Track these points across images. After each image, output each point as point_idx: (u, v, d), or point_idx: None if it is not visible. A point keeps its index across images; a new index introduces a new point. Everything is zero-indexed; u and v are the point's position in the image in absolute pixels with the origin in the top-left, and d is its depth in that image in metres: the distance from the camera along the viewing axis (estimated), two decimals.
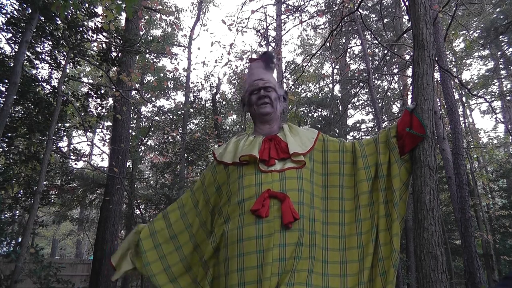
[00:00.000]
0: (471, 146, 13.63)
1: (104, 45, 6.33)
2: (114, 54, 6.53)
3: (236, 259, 1.36)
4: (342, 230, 1.48)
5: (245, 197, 1.42)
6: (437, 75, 7.65)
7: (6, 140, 5.96)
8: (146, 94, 12.90)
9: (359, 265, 1.42)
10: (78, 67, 8.02)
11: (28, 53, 5.72)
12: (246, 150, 1.51)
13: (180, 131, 11.28)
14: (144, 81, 13.29)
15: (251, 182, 1.44)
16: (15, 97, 4.72)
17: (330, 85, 15.22)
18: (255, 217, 1.36)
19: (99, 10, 8.25)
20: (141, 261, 1.61)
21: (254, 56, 12.39)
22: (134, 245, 1.66)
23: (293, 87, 12.23)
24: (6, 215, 6.50)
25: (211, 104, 12.90)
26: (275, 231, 1.34)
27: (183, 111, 12.66)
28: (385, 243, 1.43)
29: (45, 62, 6.24)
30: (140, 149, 13.01)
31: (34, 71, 6.39)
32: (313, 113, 13.68)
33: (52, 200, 7.61)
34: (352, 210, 1.50)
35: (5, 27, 5.41)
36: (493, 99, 15.40)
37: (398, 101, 13.45)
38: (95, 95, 6.47)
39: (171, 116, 12.69)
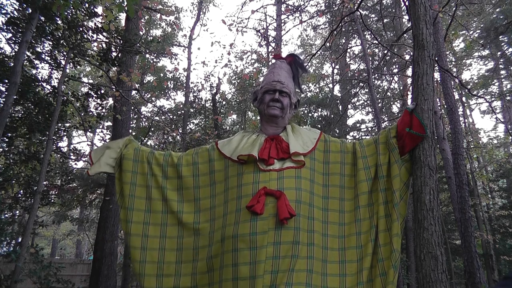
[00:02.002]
0: (471, 146, 13.63)
1: (104, 45, 6.32)
2: (114, 54, 6.53)
3: (231, 254, 1.38)
4: (342, 230, 1.48)
5: (242, 195, 1.45)
6: (437, 75, 7.65)
7: (6, 140, 5.96)
8: (146, 94, 12.89)
9: (358, 265, 1.42)
10: (78, 67, 8.02)
11: (28, 53, 5.72)
12: (245, 150, 1.53)
13: (180, 131, 11.28)
14: (144, 81, 13.28)
15: (249, 180, 1.47)
16: (15, 97, 4.72)
17: (330, 85, 15.22)
18: (251, 214, 1.39)
19: (99, 10, 8.25)
20: (122, 176, 1.60)
21: (255, 56, 12.40)
22: (118, 154, 1.64)
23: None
24: (6, 215, 6.50)
25: (211, 104, 12.89)
26: (270, 229, 1.36)
27: (183, 111, 12.66)
28: (385, 243, 1.43)
29: (45, 62, 6.24)
30: None
31: (34, 71, 6.39)
32: (313, 113, 13.67)
33: (52, 200, 7.61)
34: (352, 210, 1.51)
35: (5, 27, 5.41)
36: (493, 99, 15.39)
37: (398, 101, 13.44)
38: (95, 95, 6.47)
39: (171, 116, 12.69)
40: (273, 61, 1.79)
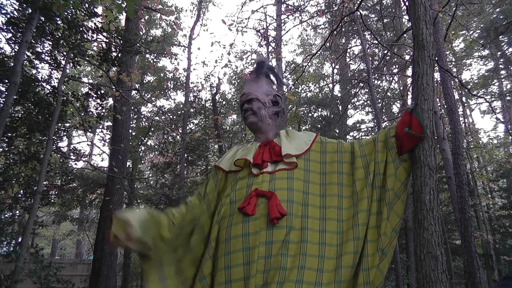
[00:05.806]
0: (471, 146, 13.64)
1: (104, 45, 6.33)
2: (114, 54, 6.53)
3: (224, 257, 1.39)
4: (340, 226, 1.48)
5: (236, 199, 1.48)
6: (437, 75, 7.65)
7: (6, 140, 5.96)
8: (146, 94, 12.89)
9: (353, 257, 1.42)
10: (78, 67, 8.02)
11: (28, 53, 5.72)
12: (241, 156, 1.59)
13: (180, 131, 11.29)
14: (144, 81, 13.28)
15: (243, 184, 1.50)
16: (15, 97, 4.72)
17: (330, 85, 15.23)
18: (243, 216, 1.41)
19: (99, 10, 8.24)
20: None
21: (254, 56, 12.41)
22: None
23: (293, 87, 12.23)
24: (6, 215, 6.49)
25: (211, 104, 12.90)
26: (261, 229, 1.37)
27: (183, 111, 12.66)
28: (372, 240, 1.43)
29: (45, 62, 6.25)
30: (140, 149, 13.00)
31: (34, 71, 6.39)
32: (313, 113, 13.68)
33: (52, 200, 7.62)
34: (350, 207, 1.52)
35: (5, 27, 5.41)
36: (493, 99, 15.38)
37: (398, 101, 13.44)
38: (95, 95, 6.48)
39: (171, 116, 12.70)
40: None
